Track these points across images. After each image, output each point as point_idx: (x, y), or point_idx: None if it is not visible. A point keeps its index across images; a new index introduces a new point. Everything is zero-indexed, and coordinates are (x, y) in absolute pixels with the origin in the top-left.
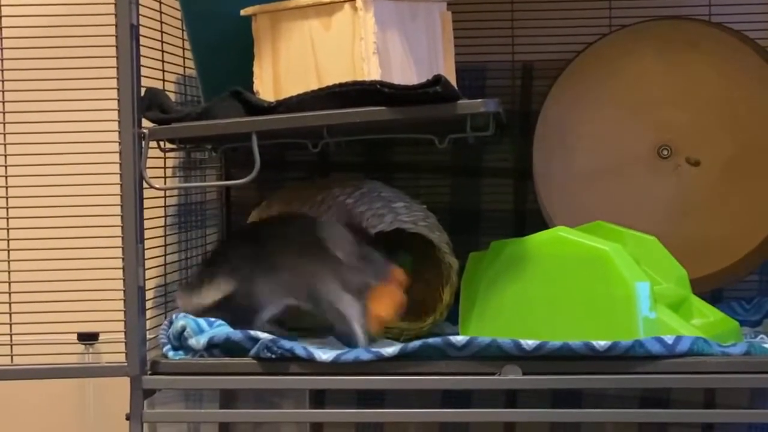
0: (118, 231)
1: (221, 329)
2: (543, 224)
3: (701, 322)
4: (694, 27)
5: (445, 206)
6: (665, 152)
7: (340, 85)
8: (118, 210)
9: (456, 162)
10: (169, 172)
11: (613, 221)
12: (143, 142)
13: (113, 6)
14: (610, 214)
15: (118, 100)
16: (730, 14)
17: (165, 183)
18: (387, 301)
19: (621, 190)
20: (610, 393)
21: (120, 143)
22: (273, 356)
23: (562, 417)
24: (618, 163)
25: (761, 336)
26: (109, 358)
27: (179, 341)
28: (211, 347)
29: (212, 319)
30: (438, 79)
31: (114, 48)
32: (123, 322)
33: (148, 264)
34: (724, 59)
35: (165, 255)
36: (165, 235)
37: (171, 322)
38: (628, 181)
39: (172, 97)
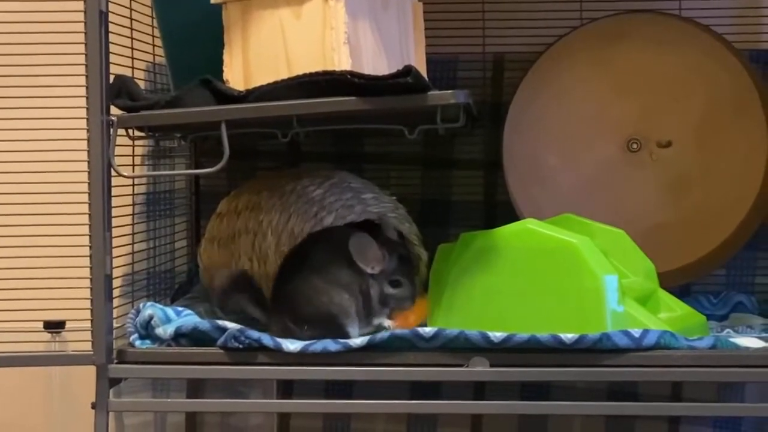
0: (85, 219)
1: (189, 319)
2: (513, 216)
3: (668, 316)
4: (664, 21)
5: (416, 197)
6: (635, 146)
7: (311, 74)
8: (85, 198)
9: (426, 153)
10: (137, 160)
11: (582, 215)
12: (111, 130)
13: None
14: (579, 207)
15: (87, 87)
16: (700, 9)
17: (133, 171)
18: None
19: (590, 183)
20: (577, 386)
21: (88, 131)
22: (240, 346)
23: (530, 409)
24: (587, 155)
25: (727, 330)
26: (76, 346)
27: (146, 330)
28: (179, 336)
29: (180, 309)
30: (409, 70)
31: (83, 34)
32: (89, 311)
33: (115, 252)
34: (693, 53)
35: (132, 243)
36: (133, 224)
37: (138, 311)
38: (596, 174)
39: (142, 85)
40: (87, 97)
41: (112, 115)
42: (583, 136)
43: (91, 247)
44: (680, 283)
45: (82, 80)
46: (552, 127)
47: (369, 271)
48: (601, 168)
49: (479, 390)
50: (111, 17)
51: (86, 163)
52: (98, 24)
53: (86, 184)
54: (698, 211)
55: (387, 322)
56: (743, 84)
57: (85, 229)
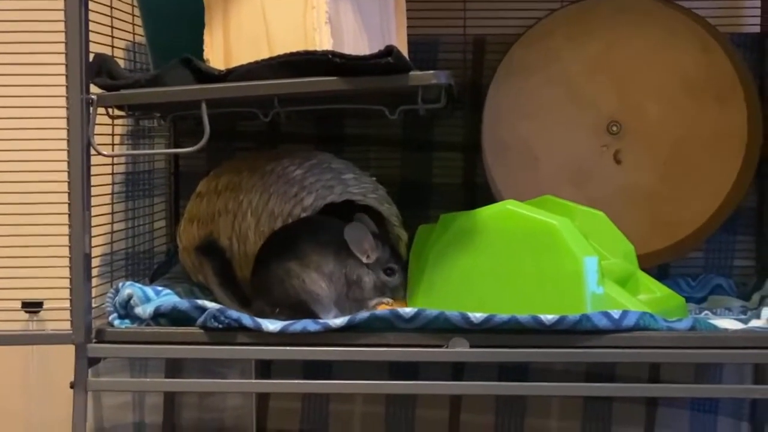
0: (63, 197)
1: (168, 298)
2: (492, 199)
3: (648, 298)
4: (644, 4)
5: (396, 179)
6: (614, 128)
7: (292, 54)
8: (64, 176)
9: (406, 135)
10: (117, 139)
11: (562, 196)
12: (91, 108)
13: None
14: (559, 189)
15: (66, 66)
16: None
17: (113, 150)
18: None
19: (570, 166)
20: (555, 367)
21: (68, 109)
22: (220, 326)
23: (509, 390)
24: (567, 137)
25: (706, 312)
26: (54, 326)
27: (125, 310)
28: (158, 316)
29: (159, 288)
30: (390, 50)
31: (62, 12)
32: (68, 290)
33: (94, 232)
34: (667, 34)
35: (112, 223)
36: (112, 203)
37: (117, 291)
38: (578, 155)
39: (122, 64)
40: (66, 76)
41: (91, 93)
42: (562, 119)
43: (70, 226)
44: (658, 264)
45: (62, 58)
46: (531, 109)
47: (364, 260)
48: (581, 150)
49: (458, 371)
50: None
51: (65, 141)
52: (78, 2)
53: (65, 163)
54: (680, 191)
55: (386, 299)
56: (723, 66)
57: (64, 208)
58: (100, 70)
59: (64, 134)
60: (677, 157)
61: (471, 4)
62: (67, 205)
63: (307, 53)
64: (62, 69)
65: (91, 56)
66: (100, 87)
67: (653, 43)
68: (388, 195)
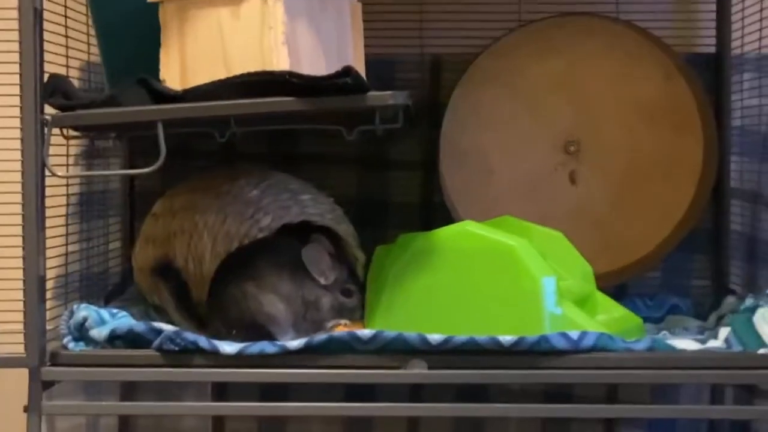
0: (17, 218)
1: (124, 320)
2: (450, 218)
3: (606, 318)
4: (601, 24)
5: (352, 198)
6: (572, 148)
7: (249, 74)
8: (17, 197)
9: (363, 154)
10: (71, 160)
11: (519, 216)
12: (46, 129)
13: None
14: (516, 209)
15: (21, 86)
16: (638, 12)
17: (67, 171)
18: None
19: (527, 186)
20: (513, 387)
21: (22, 129)
22: (176, 348)
23: (467, 411)
24: (523, 158)
25: (664, 332)
26: (5, 349)
27: (80, 332)
28: (114, 338)
29: (115, 310)
30: (348, 71)
31: (17, 32)
32: (21, 313)
33: (48, 253)
34: (631, 59)
35: (66, 244)
36: (66, 224)
37: (72, 313)
38: (534, 176)
39: (77, 84)
40: (21, 96)
41: (46, 114)
42: (520, 138)
43: (24, 247)
44: (615, 284)
45: (16, 78)
46: (489, 128)
47: (322, 281)
48: (538, 169)
49: (416, 392)
50: (45, 15)
51: (19, 162)
52: (33, 22)
53: (19, 184)
54: (634, 213)
55: (343, 321)
56: (678, 86)
57: (16, 229)
58: (54, 90)
59: (17, 154)
60: (631, 181)
61: (427, 23)
62: (20, 226)
63: (264, 73)
64: (16, 89)
65: (46, 76)
66: (55, 107)
67: (616, 66)
68: (345, 214)
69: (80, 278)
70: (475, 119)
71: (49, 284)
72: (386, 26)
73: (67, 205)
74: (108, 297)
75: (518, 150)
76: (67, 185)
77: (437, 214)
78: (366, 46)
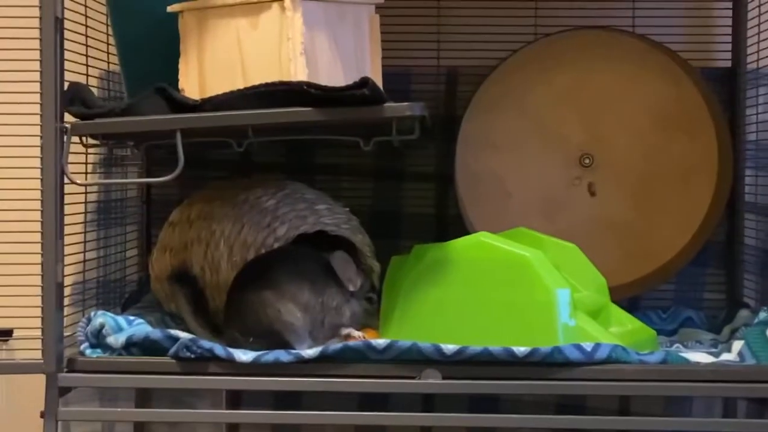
0: (36, 225)
1: (141, 328)
2: (464, 230)
3: (619, 330)
4: (617, 38)
5: (367, 209)
6: (587, 161)
7: (267, 84)
8: (36, 204)
9: (378, 165)
10: (90, 168)
11: (534, 228)
12: (65, 137)
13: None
14: (531, 221)
15: (41, 94)
16: (653, 26)
17: (86, 179)
18: None
19: (541, 198)
20: (526, 398)
21: (41, 137)
22: (192, 356)
23: (480, 422)
24: (539, 170)
25: (677, 345)
26: (23, 355)
27: (97, 339)
28: (130, 345)
29: (131, 317)
30: (365, 82)
31: (38, 41)
32: (39, 319)
33: (66, 260)
34: (645, 70)
35: (84, 252)
36: (85, 232)
37: (89, 320)
38: (550, 187)
39: (96, 92)
40: (41, 104)
41: (66, 122)
42: (535, 151)
43: (42, 254)
44: (628, 296)
45: (36, 86)
46: (504, 141)
47: (351, 288)
48: (553, 182)
49: (428, 401)
50: (66, 24)
51: (38, 169)
52: (53, 30)
53: (38, 191)
54: (647, 226)
55: (356, 333)
56: (693, 100)
57: (35, 236)
58: (74, 98)
59: (36, 162)
60: (648, 190)
61: (444, 35)
62: (39, 233)
63: (282, 84)
64: (36, 97)
65: (66, 84)
66: (75, 116)
67: (624, 76)
68: (360, 225)
69: (97, 285)
70: (487, 138)
71: (67, 291)
72: (403, 38)
73: (85, 212)
74: (125, 304)
75: (532, 166)
76: (86, 193)
77: (451, 225)
78: (383, 57)
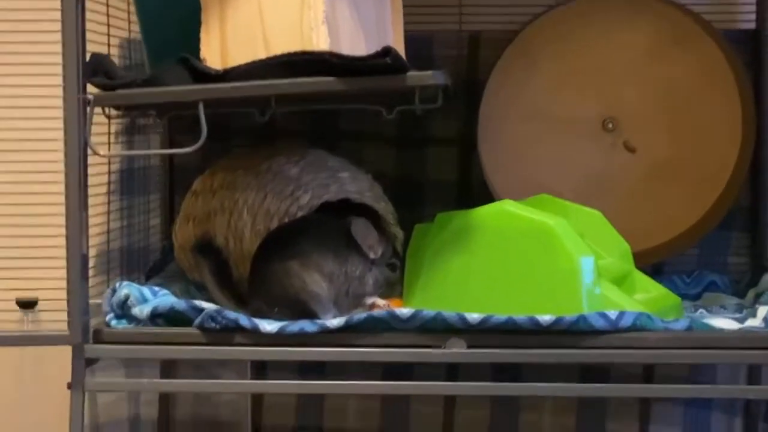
0: (59, 197)
1: (166, 299)
2: (488, 195)
3: (644, 297)
4: (649, 5)
5: (390, 175)
6: (610, 125)
7: (290, 54)
8: (59, 175)
9: (401, 131)
10: (112, 137)
11: (558, 194)
12: (88, 109)
13: None
14: (555, 187)
15: (63, 66)
16: None
17: (109, 149)
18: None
19: (566, 163)
20: (549, 366)
21: (65, 109)
22: (217, 326)
23: (503, 390)
24: (562, 134)
25: (701, 310)
26: (49, 326)
27: (122, 310)
28: (155, 317)
29: (156, 288)
30: (388, 51)
31: (59, 12)
32: (63, 290)
33: (90, 231)
34: (666, 30)
35: (108, 222)
36: (108, 202)
37: (114, 291)
38: (574, 153)
39: (117, 60)
40: (63, 76)
41: (88, 93)
42: (558, 116)
43: (66, 226)
44: (653, 262)
45: (58, 58)
46: (527, 107)
47: (371, 255)
48: (576, 147)
49: (453, 369)
50: None
51: (61, 140)
52: (75, 2)
53: (60, 162)
54: (672, 190)
55: (381, 302)
56: (717, 62)
57: (60, 208)
58: (96, 69)
59: (59, 133)
60: (672, 153)
61: None
62: (63, 205)
63: (305, 53)
64: (58, 69)
65: (88, 55)
66: (97, 86)
67: (648, 38)
68: (383, 191)
69: (121, 254)
70: (512, 101)
71: (91, 261)
72: (425, 2)
73: (109, 182)
74: (149, 273)
75: (556, 130)
76: (109, 163)
77: (474, 191)
78: (404, 22)
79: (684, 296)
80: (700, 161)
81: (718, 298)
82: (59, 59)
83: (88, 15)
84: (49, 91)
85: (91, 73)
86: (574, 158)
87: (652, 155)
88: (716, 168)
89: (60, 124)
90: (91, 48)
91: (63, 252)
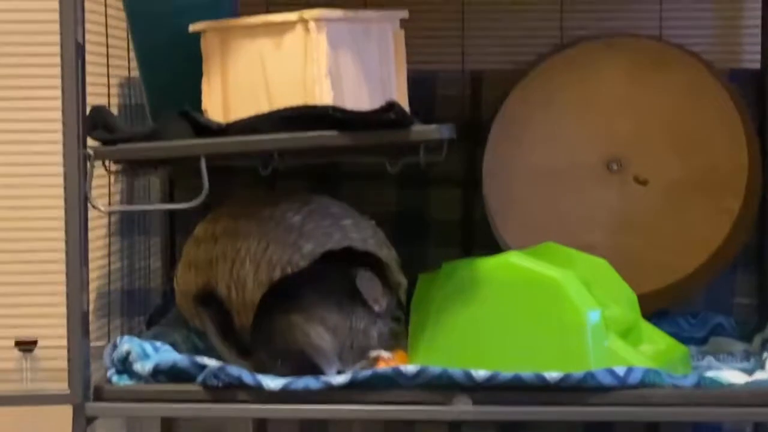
0: (60, 244)
1: (168, 355)
2: (491, 235)
3: (651, 349)
4: (653, 46)
5: (392, 216)
6: (614, 166)
7: (292, 108)
8: (60, 224)
9: (403, 171)
10: (113, 178)
11: (562, 234)
12: (89, 164)
13: (57, 24)
14: (559, 227)
15: (63, 123)
16: (682, 28)
17: (109, 203)
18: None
19: (570, 204)
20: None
21: (64, 165)
22: (220, 384)
23: None
24: (568, 176)
25: (708, 358)
26: (48, 365)
27: (123, 365)
28: (157, 373)
29: (158, 344)
30: (392, 105)
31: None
32: (64, 328)
33: (90, 272)
34: (683, 82)
35: (109, 264)
36: (109, 244)
37: (115, 346)
38: (578, 194)
39: (116, 100)
40: (63, 131)
41: (89, 148)
42: (562, 157)
43: (67, 284)
44: (659, 308)
45: (57, 114)
46: (533, 145)
47: (376, 309)
48: (581, 188)
49: (455, 426)
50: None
51: (62, 190)
52: (74, 56)
53: (61, 210)
54: (678, 232)
55: (386, 355)
56: (723, 102)
57: (60, 254)
58: (96, 123)
59: (60, 180)
60: (677, 197)
61: (469, 39)
62: (63, 252)
63: (308, 108)
64: (57, 124)
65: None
66: (98, 141)
67: (654, 81)
68: (385, 232)
69: (121, 295)
70: (517, 139)
71: (91, 304)
72: (428, 42)
73: (109, 226)
74: (150, 320)
75: (560, 170)
76: (109, 213)
77: (478, 230)
78: (407, 62)
79: (689, 339)
80: (702, 205)
81: (725, 344)
82: (58, 114)
83: (88, 57)
84: (48, 147)
85: (91, 127)
86: (578, 199)
87: (655, 199)
88: (723, 207)
89: (60, 171)
90: (90, 90)
91: (62, 289)
